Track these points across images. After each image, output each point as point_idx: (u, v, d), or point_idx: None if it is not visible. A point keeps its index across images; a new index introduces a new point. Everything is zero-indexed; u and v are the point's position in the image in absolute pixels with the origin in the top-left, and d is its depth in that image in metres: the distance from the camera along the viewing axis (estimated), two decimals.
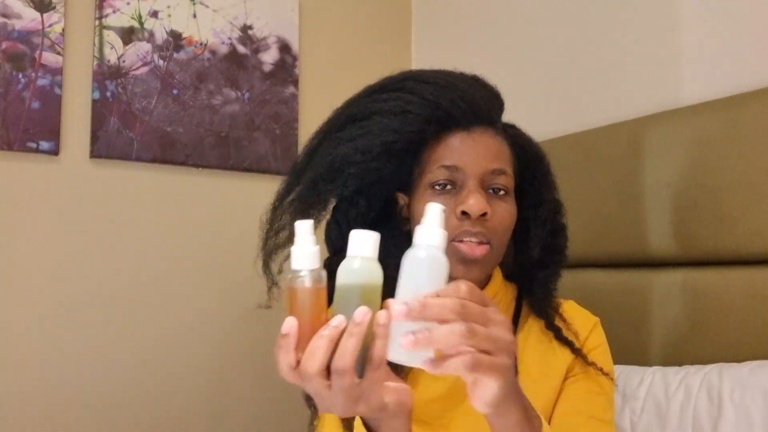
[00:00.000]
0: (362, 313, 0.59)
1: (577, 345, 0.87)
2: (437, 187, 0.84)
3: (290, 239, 0.86)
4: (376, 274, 0.61)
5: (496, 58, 1.59)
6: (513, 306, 0.92)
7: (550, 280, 0.92)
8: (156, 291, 1.42)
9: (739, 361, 1.00)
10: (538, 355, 0.88)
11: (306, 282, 0.60)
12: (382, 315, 0.59)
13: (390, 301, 0.60)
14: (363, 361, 0.61)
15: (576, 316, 0.91)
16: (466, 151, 0.84)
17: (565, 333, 0.88)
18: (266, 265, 0.87)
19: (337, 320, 0.59)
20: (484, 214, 0.81)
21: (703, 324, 1.08)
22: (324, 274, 0.62)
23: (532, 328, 0.90)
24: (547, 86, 1.47)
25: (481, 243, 0.81)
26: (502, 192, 0.84)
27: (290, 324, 0.60)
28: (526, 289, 0.93)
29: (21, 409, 1.27)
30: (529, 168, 0.91)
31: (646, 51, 1.28)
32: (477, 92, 0.86)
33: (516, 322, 0.90)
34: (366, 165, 0.84)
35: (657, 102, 1.23)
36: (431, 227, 0.63)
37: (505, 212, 0.84)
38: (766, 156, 1.02)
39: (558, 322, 0.89)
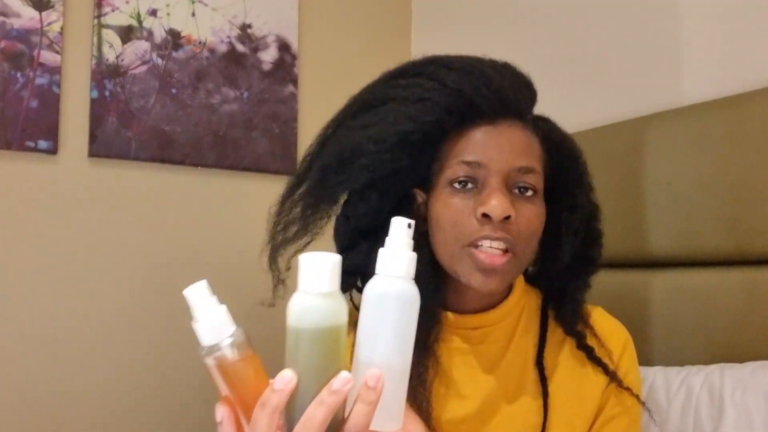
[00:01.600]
0: (343, 381, 0.49)
1: (611, 367, 0.82)
2: (456, 185, 0.76)
3: (300, 234, 0.81)
4: (332, 314, 0.50)
5: (495, 58, 1.58)
6: (538, 315, 0.86)
7: (580, 292, 0.84)
8: (155, 290, 1.42)
9: (740, 361, 0.99)
10: (572, 375, 0.83)
11: (228, 355, 0.51)
12: (372, 377, 0.50)
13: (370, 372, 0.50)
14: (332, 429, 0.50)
15: (607, 330, 0.85)
16: (490, 145, 0.75)
17: (599, 352, 0.82)
18: (273, 260, 0.80)
19: (283, 380, 0.49)
20: (507, 218, 0.73)
21: (703, 324, 1.07)
22: (244, 334, 0.52)
23: (562, 343, 0.85)
24: (547, 85, 1.46)
25: (504, 251, 0.74)
26: (529, 192, 0.76)
27: (221, 412, 0.52)
28: (553, 299, 0.86)
29: (19, 411, 1.27)
30: (563, 167, 0.84)
31: (647, 50, 1.28)
32: (505, 80, 0.79)
33: (543, 333, 0.84)
34: (379, 156, 0.76)
35: (658, 101, 1.23)
36: (397, 251, 0.53)
37: (531, 215, 0.76)
38: (767, 155, 1.02)
39: (590, 339, 0.83)
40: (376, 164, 0.77)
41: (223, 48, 1.52)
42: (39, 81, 1.31)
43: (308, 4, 1.66)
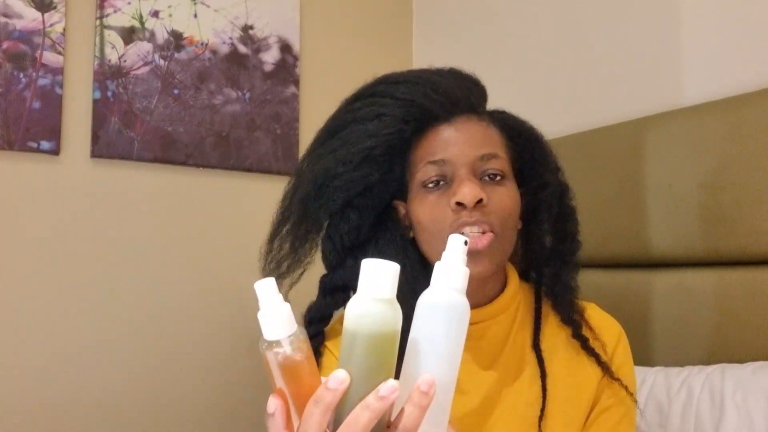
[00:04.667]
0: (390, 388, 0.51)
1: (604, 358, 0.84)
2: (430, 185, 0.81)
3: (294, 267, 0.85)
4: (389, 320, 0.52)
5: (497, 58, 1.59)
6: (534, 308, 0.89)
7: (571, 276, 0.87)
8: (157, 291, 1.42)
9: (740, 361, 1.00)
10: (568, 365, 0.85)
11: (287, 351, 0.52)
12: (426, 382, 0.51)
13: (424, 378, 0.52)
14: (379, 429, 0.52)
15: (601, 323, 0.87)
16: (451, 142, 0.80)
17: (592, 343, 0.84)
18: None
19: (336, 380, 0.51)
20: (479, 201, 0.77)
21: (704, 324, 1.08)
22: (304, 333, 0.54)
23: (558, 334, 0.86)
24: (548, 86, 1.47)
25: (484, 232, 0.77)
26: (498, 177, 0.81)
27: (274, 404, 0.53)
28: (547, 288, 0.88)
29: (19, 411, 1.27)
30: (526, 151, 0.87)
31: (647, 51, 1.28)
32: (452, 82, 0.83)
33: (538, 322, 0.87)
34: (349, 175, 0.81)
35: (658, 102, 1.23)
36: (452, 265, 0.56)
37: (503, 196, 0.80)
38: (767, 156, 1.02)
39: (585, 331, 0.85)
40: (348, 184, 0.82)
41: (225, 49, 1.53)
42: (41, 82, 1.32)
43: (310, 5, 1.66)
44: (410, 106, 0.81)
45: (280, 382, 0.54)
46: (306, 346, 0.53)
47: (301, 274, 0.86)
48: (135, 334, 1.39)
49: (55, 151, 1.32)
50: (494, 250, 0.79)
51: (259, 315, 0.53)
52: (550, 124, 1.38)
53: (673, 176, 1.13)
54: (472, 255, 0.76)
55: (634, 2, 1.31)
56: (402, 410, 0.52)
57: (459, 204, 0.77)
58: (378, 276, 0.52)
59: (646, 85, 1.27)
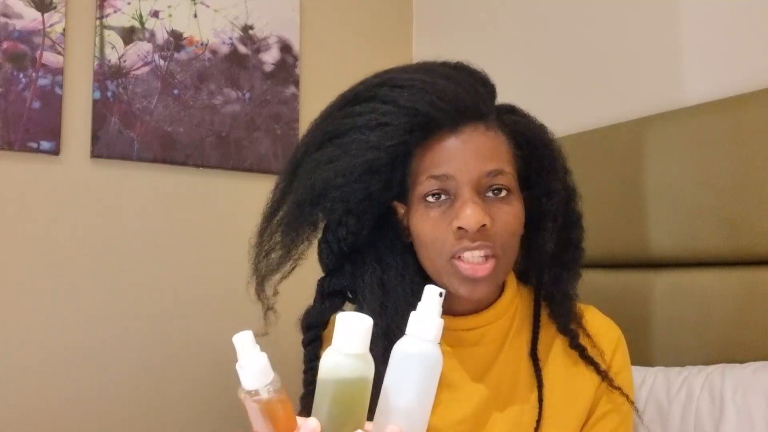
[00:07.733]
0: None
1: (603, 367, 0.82)
2: (430, 199, 0.77)
3: (283, 260, 0.83)
4: (359, 374, 0.55)
5: (496, 59, 1.58)
6: (531, 313, 0.87)
7: (571, 284, 0.84)
8: (157, 291, 1.42)
9: (741, 361, 0.99)
10: (564, 373, 0.83)
11: (265, 398, 0.56)
12: None
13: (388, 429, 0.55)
14: None
15: (599, 328, 0.85)
16: (456, 156, 0.76)
17: (591, 352, 0.82)
18: (261, 289, 0.83)
19: (308, 428, 0.55)
20: (483, 226, 0.74)
21: (704, 324, 1.08)
22: (279, 380, 0.56)
23: (556, 341, 0.85)
24: (548, 86, 1.47)
25: (486, 258, 0.75)
26: (503, 193, 0.77)
27: None
28: (545, 294, 0.86)
29: (19, 411, 1.27)
30: (535, 155, 0.83)
31: (648, 51, 1.28)
32: (459, 87, 0.78)
33: (536, 331, 0.85)
34: (349, 187, 0.78)
35: (658, 102, 1.23)
36: (427, 316, 0.58)
37: (508, 216, 0.77)
38: (767, 156, 1.02)
39: (582, 338, 0.83)
40: (348, 194, 0.78)
41: (224, 49, 1.53)
42: (41, 82, 1.32)
43: (309, 5, 1.66)
44: (414, 116, 0.76)
45: (259, 426, 0.57)
46: (282, 392, 0.57)
47: (292, 269, 0.84)
48: (135, 334, 1.39)
49: (55, 151, 1.32)
50: (494, 276, 0.77)
51: (238, 366, 0.56)
52: (550, 124, 1.38)
53: (673, 176, 1.13)
54: (471, 283, 0.76)
55: (634, 2, 1.31)
56: None
57: (461, 228, 0.75)
58: (351, 332, 0.55)
59: (646, 85, 1.27)
